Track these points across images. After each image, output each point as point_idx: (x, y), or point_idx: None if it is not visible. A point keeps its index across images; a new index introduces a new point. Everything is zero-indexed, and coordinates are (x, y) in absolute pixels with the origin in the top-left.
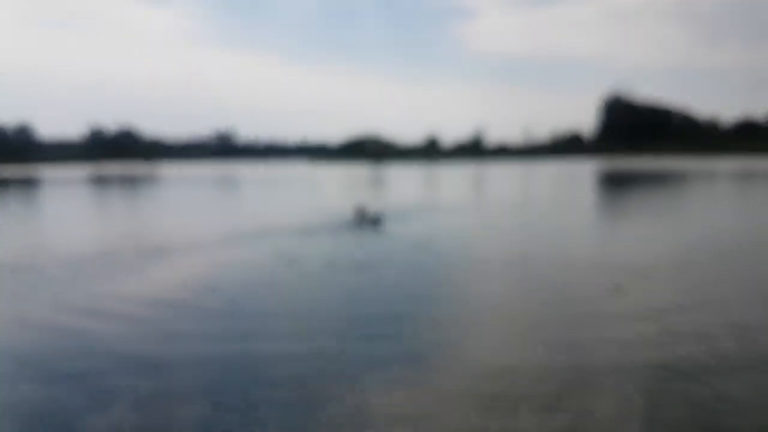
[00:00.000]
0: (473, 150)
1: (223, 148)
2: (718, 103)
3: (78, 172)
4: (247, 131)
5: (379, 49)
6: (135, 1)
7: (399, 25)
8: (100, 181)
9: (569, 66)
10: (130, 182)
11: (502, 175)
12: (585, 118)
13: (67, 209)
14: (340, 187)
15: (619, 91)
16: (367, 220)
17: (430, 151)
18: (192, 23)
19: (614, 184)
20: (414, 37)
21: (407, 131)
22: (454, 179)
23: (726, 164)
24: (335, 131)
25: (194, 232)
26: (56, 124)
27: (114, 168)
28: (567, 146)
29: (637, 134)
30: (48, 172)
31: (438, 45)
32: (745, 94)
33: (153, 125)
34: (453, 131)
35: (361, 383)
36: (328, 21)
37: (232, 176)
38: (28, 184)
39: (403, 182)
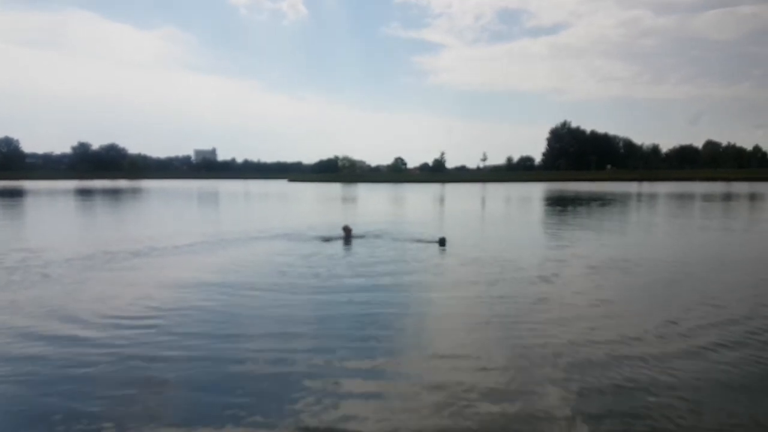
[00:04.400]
0: (436, 171)
1: (204, 165)
2: (658, 133)
3: (64, 184)
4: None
5: (349, 78)
6: (122, 25)
7: (368, 58)
8: (84, 193)
9: (522, 98)
10: (113, 194)
11: (461, 194)
12: (536, 145)
13: (51, 216)
14: (317, 202)
15: (566, 121)
16: (353, 237)
17: (396, 172)
18: (176, 47)
19: (559, 204)
20: (381, 68)
21: (375, 154)
22: (419, 198)
23: (666, 187)
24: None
25: (191, 238)
26: (42, 143)
27: (99, 182)
28: (520, 170)
29: (583, 159)
30: (33, 184)
31: (403, 77)
32: (683, 125)
33: (137, 144)
34: (417, 155)
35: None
36: (304, 51)
37: (215, 190)
38: (13, 194)
39: (374, 199)
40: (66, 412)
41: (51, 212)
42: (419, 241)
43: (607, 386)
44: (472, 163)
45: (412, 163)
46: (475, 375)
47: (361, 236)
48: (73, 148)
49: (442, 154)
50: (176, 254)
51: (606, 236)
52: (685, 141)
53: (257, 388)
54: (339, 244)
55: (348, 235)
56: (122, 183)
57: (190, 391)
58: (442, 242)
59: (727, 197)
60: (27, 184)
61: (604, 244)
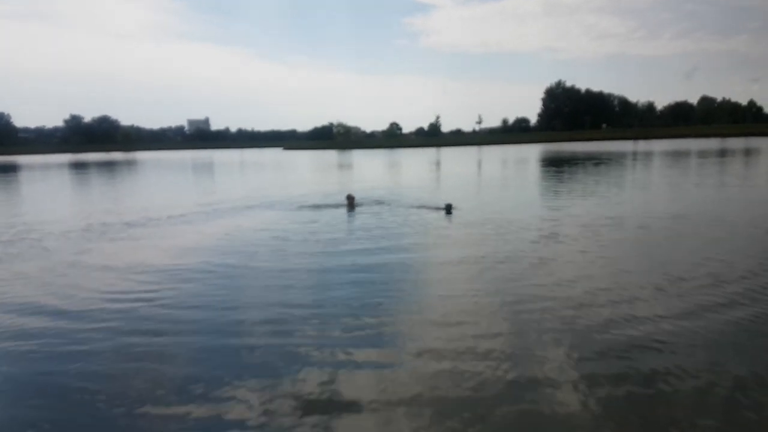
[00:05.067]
0: (431, 136)
1: (197, 135)
2: (653, 89)
3: (57, 158)
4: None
5: (341, 43)
6: None
7: (360, 21)
8: (78, 167)
9: (515, 58)
10: (107, 167)
11: (458, 158)
12: (532, 106)
13: (45, 190)
14: (314, 170)
15: (560, 81)
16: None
17: (392, 138)
18: (165, 16)
19: (555, 165)
20: (373, 31)
21: (370, 119)
22: (416, 163)
23: (661, 145)
24: (304, 120)
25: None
26: (34, 116)
27: (93, 155)
28: (515, 132)
29: (578, 119)
30: (27, 159)
31: (396, 39)
32: (678, 81)
33: (130, 115)
34: (412, 120)
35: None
36: (294, 17)
37: (209, 160)
38: (7, 169)
39: (371, 166)
40: (62, 386)
41: (45, 186)
42: (424, 207)
43: (606, 347)
44: (468, 126)
45: (407, 128)
46: (476, 340)
47: (364, 204)
48: (66, 121)
49: (437, 117)
50: (172, 224)
51: (602, 196)
52: (680, 97)
53: (256, 360)
54: (342, 212)
55: (351, 203)
56: (116, 155)
57: (187, 363)
58: (448, 209)
59: (722, 153)
60: (20, 159)
61: (600, 203)
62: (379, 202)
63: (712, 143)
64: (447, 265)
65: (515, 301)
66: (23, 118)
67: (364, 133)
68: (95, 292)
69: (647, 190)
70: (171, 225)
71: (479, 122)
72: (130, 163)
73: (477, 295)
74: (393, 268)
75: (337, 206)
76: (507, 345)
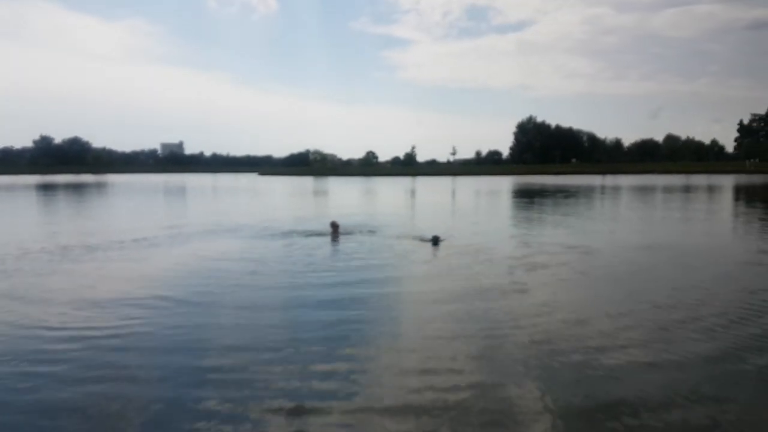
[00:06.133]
0: (407, 165)
1: (171, 159)
2: (620, 127)
3: (24, 179)
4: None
5: (319, 73)
6: (85, 16)
7: (338, 53)
8: (46, 188)
9: (489, 94)
10: (76, 189)
11: (433, 187)
12: (504, 139)
13: (8, 211)
14: (290, 196)
15: (532, 116)
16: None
17: (368, 166)
18: (142, 40)
19: (526, 196)
20: (352, 63)
21: (347, 148)
22: (392, 191)
23: (629, 180)
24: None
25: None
26: (2, 136)
27: (62, 177)
28: (488, 164)
29: (548, 153)
30: None
31: (373, 72)
32: (645, 120)
33: (102, 137)
34: (388, 148)
35: None
36: (273, 46)
37: (181, 184)
38: None
39: (347, 193)
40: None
41: (8, 207)
42: (411, 237)
43: (578, 377)
44: (442, 156)
45: (383, 156)
46: (449, 375)
47: (349, 233)
48: (35, 142)
49: (413, 147)
50: (137, 248)
51: (571, 226)
52: (646, 135)
53: (216, 399)
54: (322, 240)
55: (336, 231)
56: (86, 177)
57: (155, 390)
58: (435, 241)
59: (687, 189)
60: None
61: (571, 233)
62: (364, 231)
63: (677, 179)
64: (429, 301)
65: (486, 326)
66: None
67: (340, 160)
68: (46, 318)
69: (615, 221)
70: (135, 249)
71: (453, 153)
72: (99, 186)
73: (457, 338)
74: (373, 303)
75: (317, 234)
76: (479, 374)
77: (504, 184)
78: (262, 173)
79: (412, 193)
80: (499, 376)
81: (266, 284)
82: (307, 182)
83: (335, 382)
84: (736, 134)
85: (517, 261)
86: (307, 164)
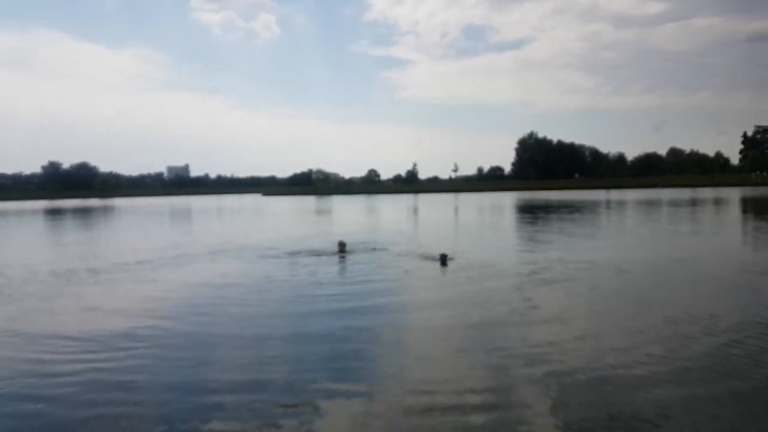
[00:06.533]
0: (409, 182)
1: (177, 181)
2: (623, 141)
3: (32, 204)
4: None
5: (321, 94)
6: (93, 45)
7: (339, 75)
8: (53, 213)
9: (489, 110)
10: (83, 213)
11: (436, 204)
12: (505, 155)
13: (17, 235)
14: (295, 215)
15: (533, 132)
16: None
17: (370, 184)
18: (148, 67)
19: (530, 211)
20: (352, 84)
21: (349, 166)
22: (395, 208)
23: (633, 194)
24: (283, 167)
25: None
26: (11, 163)
27: (70, 201)
28: (490, 180)
29: (551, 168)
30: (2, 205)
31: (374, 92)
32: (647, 134)
33: (109, 162)
34: (390, 166)
35: None
36: (276, 70)
37: (187, 206)
38: None
39: (350, 211)
40: None
41: (15, 231)
42: (418, 256)
43: (587, 395)
44: (444, 173)
45: (385, 174)
46: (456, 400)
47: (356, 252)
48: (43, 168)
49: (415, 165)
50: (143, 271)
51: (578, 241)
52: (649, 149)
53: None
54: (329, 260)
55: (342, 250)
56: (93, 202)
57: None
58: (443, 260)
59: (693, 203)
60: None
61: (578, 249)
62: (371, 249)
63: (683, 193)
64: (441, 329)
65: (493, 346)
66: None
67: (342, 179)
68: (56, 339)
69: (622, 236)
70: (140, 271)
71: (455, 170)
72: (106, 210)
73: (456, 341)
74: (383, 334)
75: (323, 253)
76: (486, 394)
77: (508, 200)
78: (266, 193)
79: (416, 210)
80: (514, 395)
81: (272, 311)
82: (310, 201)
83: (341, 419)
84: (740, 146)
85: (521, 278)
86: (310, 184)
